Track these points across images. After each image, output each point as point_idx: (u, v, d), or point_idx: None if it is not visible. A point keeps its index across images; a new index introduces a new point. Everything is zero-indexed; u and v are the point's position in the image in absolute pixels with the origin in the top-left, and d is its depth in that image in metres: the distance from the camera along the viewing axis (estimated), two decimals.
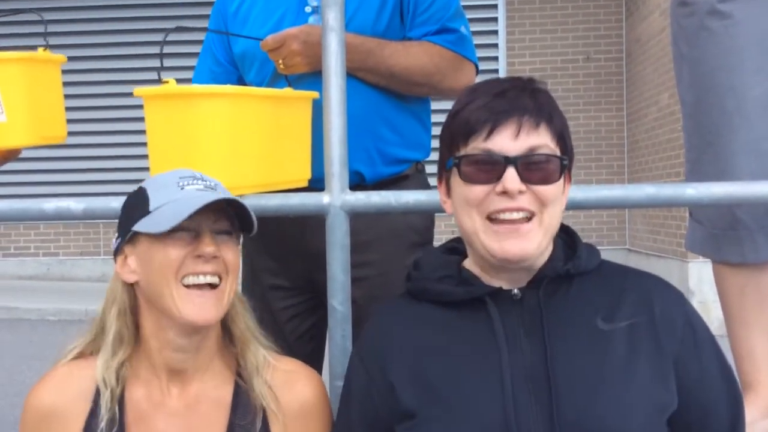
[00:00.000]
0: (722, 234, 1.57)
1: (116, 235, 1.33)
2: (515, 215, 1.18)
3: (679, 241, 6.28)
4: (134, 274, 1.29)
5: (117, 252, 1.32)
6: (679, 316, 1.23)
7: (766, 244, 1.54)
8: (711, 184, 1.45)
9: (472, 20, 1.93)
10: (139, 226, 1.26)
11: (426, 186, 1.90)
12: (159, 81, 1.45)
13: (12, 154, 1.69)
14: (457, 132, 1.22)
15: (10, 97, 1.57)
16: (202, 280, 1.25)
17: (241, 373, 1.33)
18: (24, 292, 7.46)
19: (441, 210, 1.35)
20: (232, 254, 1.28)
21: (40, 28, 1.77)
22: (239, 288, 1.39)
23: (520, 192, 1.17)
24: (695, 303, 5.91)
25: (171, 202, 1.25)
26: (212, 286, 1.26)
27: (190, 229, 1.25)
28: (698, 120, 1.58)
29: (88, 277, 8.11)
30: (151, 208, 1.26)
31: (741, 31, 1.49)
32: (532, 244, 1.18)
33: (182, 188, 1.27)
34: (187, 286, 1.25)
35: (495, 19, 7.88)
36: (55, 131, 1.71)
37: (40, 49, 1.66)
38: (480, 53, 1.91)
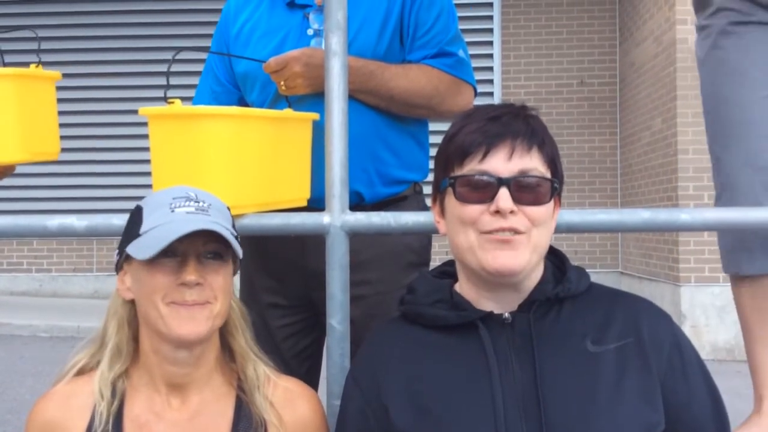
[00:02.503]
0: (730, 245, 1.61)
1: (117, 251, 1.35)
2: (507, 235, 1.21)
3: (672, 265, 6.31)
4: (129, 292, 1.31)
5: (118, 268, 1.34)
6: (667, 337, 1.26)
7: (762, 256, 1.56)
8: (704, 210, 1.49)
9: (468, 43, 1.96)
10: (129, 249, 1.27)
11: (424, 206, 1.93)
12: (164, 99, 1.47)
13: (6, 171, 1.69)
14: (452, 154, 1.25)
15: (2, 113, 1.57)
16: (187, 307, 1.26)
17: (242, 388, 1.35)
18: (16, 308, 7.42)
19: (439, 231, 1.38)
20: (221, 279, 1.28)
21: (45, 45, 1.77)
22: (242, 304, 1.40)
23: (512, 212, 1.20)
24: (687, 327, 5.93)
25: (158, 227, 1.26)
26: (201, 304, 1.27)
27: (177, 254, 1.25)
28: (710, 133, 1.65)
29: (81, 294, 8.08)
30: (141, 230, 1.27)
31: (748, 51, 1.56)
32: (522, 258, 1.21)
33: (173, 210, 1.27)
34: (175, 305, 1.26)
35: (491, 43, 7.96)
36: (48, 147, 1.70)
37: (33, 66, 1.66)
38: (476, 76, 1.95)
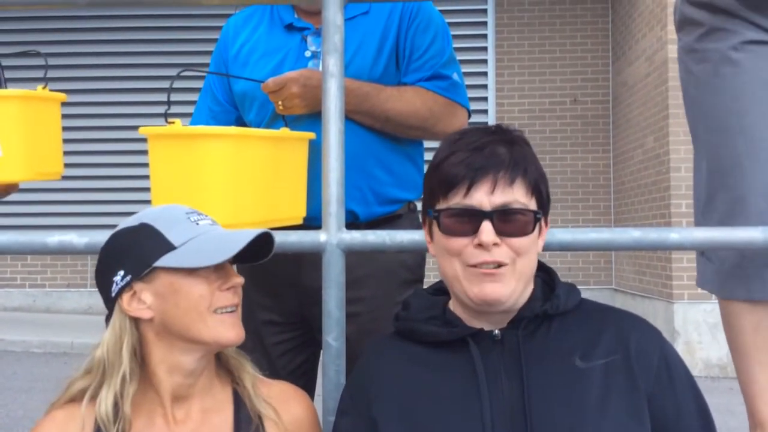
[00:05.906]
0: (731, 271, 1.58)
1: (118, 273, 1.29)
2: (491, 267, 1.24)
3: (665, 282, 6.34)
4: (149, 310, 1.28)
5: (121, 290, 1.28)
6: (655, 353, 1.28)
7: None
8: (694, 230, 1.50)
9: (462, 62, 1.99)
10: (170, 261, 1.25)
11: (418, 225, 1.95)
12: (165, 118, 1.50)
13: (9, 189, 1.71)
14: (437, 186, 1.29)
15: (7, 133, 1.59)
16: (230, 310, 1.31)
17: (238, 391, 1.37)
18: (9, 323, 7.40)
19: None
20: (241, 281, 1.36)
21: (50, 62, 1.80)
22: None
23: (496, 244, 1.23)
24: (680, 344, 5.95)
25: (198, 237, 1.28)
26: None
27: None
28: (710, 161, 1.62)
29: (74, 310, 8.06)
30: (175, 243, 1.27)
31: (750, 79, 1.56)
32: (508, 288, 1.25)
33: (197, 223, 1.30)
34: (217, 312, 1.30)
35: (485, 61, 8.03)
36: (52, 167, 1.72)
37: (39, 87, 1.68)
38: (470, 94, 1.98)
